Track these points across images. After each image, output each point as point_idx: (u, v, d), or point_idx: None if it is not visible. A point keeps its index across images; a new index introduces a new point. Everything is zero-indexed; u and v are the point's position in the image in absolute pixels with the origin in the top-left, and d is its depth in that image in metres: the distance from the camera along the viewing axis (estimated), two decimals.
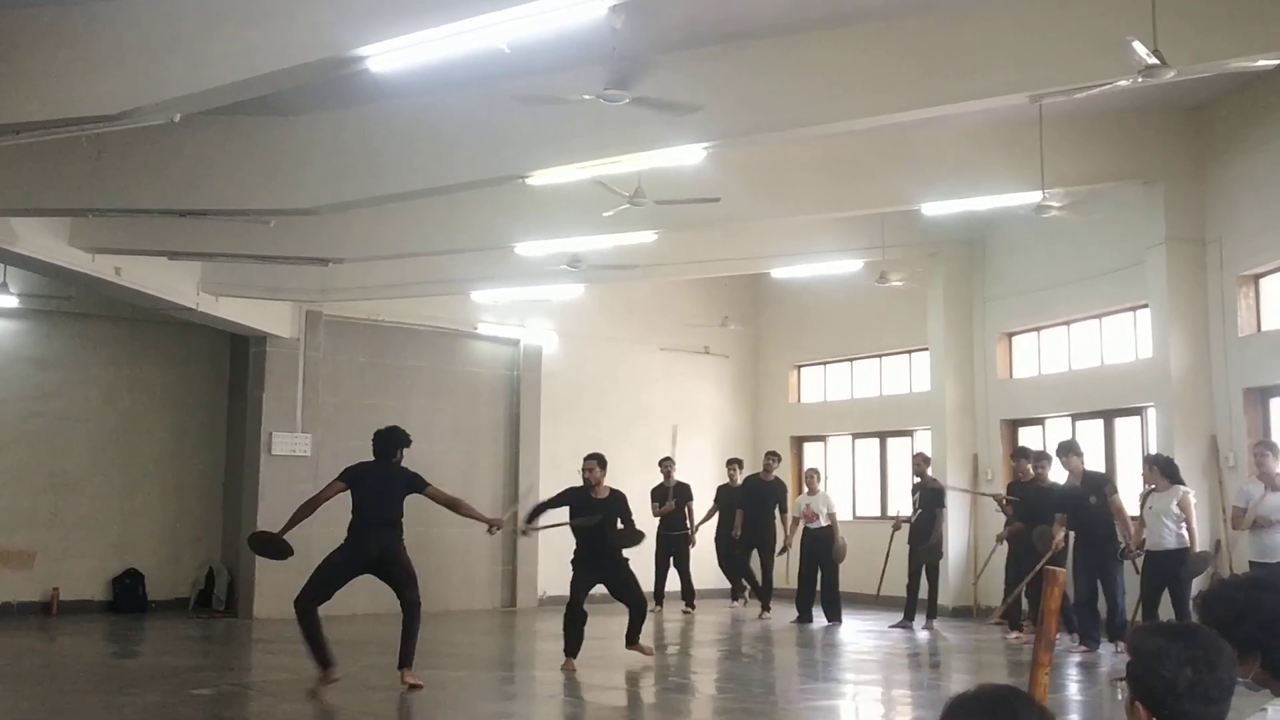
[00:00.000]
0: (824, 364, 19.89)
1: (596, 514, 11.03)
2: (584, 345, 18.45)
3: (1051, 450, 13.26)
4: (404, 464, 10.23)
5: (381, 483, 9.94)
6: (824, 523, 15.62)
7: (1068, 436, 14.14)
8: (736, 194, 12.46)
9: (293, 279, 14.63)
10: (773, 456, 16.79)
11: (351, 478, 10.04)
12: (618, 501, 11.24)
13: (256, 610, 15.37)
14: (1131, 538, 12.08)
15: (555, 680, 10.48)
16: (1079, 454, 12.62)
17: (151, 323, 15.97)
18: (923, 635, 14.22)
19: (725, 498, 17.07)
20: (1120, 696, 2.75)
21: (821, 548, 15.52)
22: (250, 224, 11.73)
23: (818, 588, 15.55)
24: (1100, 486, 12.41)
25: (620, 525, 11.17)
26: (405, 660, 9.76)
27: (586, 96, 8.49)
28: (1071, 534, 12.48)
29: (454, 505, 10.26)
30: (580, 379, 18.36)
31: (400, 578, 10.02)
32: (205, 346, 16.73)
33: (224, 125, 10.11)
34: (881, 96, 9.47)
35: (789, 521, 16.28)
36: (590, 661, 11.34)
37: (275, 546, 10.22)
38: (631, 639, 11.38)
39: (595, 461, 11.30)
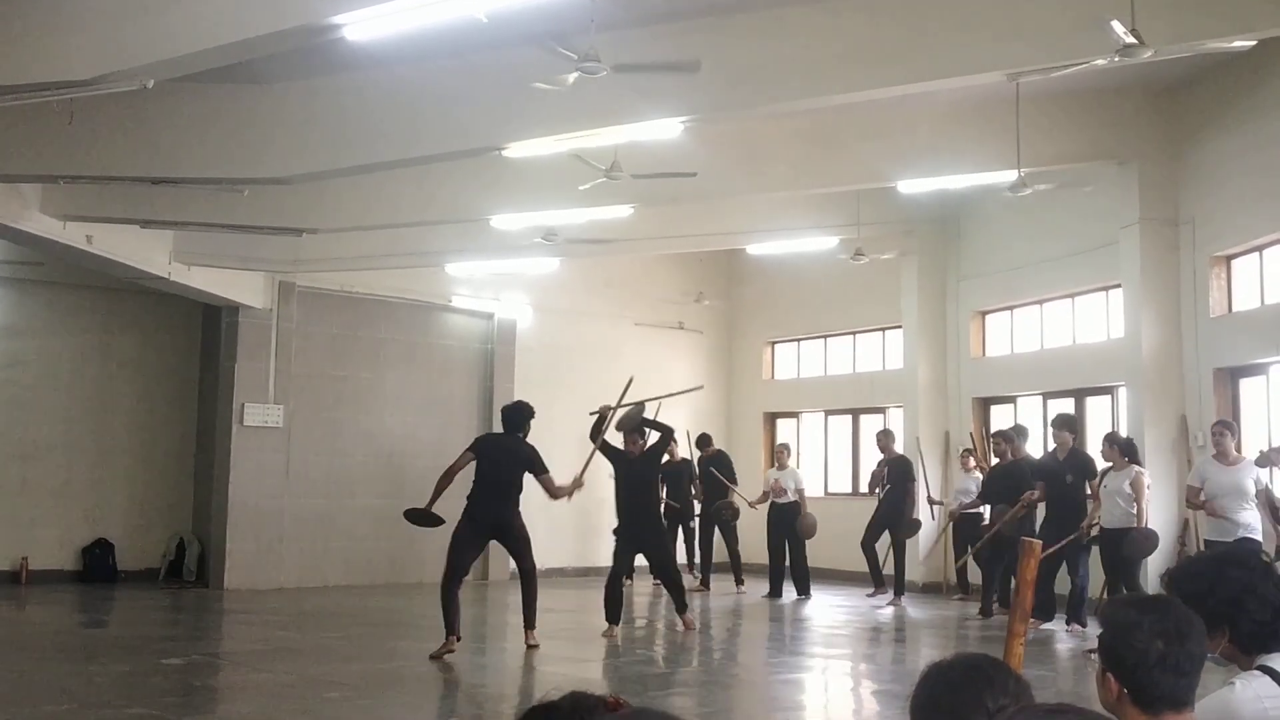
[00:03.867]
0: (798, 340, 19.93)
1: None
2: (558, 319, 18.43)
3: (1030, 426, 13.37)
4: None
5: (504, 453, 10.55)
6: (791, 498, 15.72)
7: (1062, 412, 13.95)
8: (713, 169, 12.43)
9: (266, 249, 14.52)
10: (700, 439, 17.11)
11: (478, 447, 10.73)
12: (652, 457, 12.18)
13: (227, 581, 15.34)
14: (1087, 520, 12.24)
15: (524, 652, 10.50)
16: (1072, 430, 12.58)
17: (123, 291, 15.85)
18: (887, 611, 14.28)
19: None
20: (1093, 668, 2.78)
21: (788, 522, 15.60)
22: (224, 193, 11.63)
23: (786, 562, 15.65)
24: (1082, 468, 12.38)
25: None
26: (528, 622, 10.50)
27: (570, 78, 8.45)
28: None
29: (556, 493, 10.85)
30: (554, 353, 18.34)
31: (516, 546, 10.61)
32: (177, 316, 16.62)
33: (198, 92, 10.00)
34: (860, 72, 9.46)
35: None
36: (560, 634, 11.40)
37: (429, 517, 10.63)
38: (679, 610, 12.06)
39: (637, 433, 12.08)
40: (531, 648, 10.32)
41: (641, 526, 11.78)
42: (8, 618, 12.91)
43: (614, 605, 11.50)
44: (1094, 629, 11.42)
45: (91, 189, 11.74)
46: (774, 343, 20.35)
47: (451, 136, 10.19)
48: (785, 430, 19.79)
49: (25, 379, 15.50)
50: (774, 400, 20.09)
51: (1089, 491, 12.24)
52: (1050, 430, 12.91)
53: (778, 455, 16.38)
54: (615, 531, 12.03)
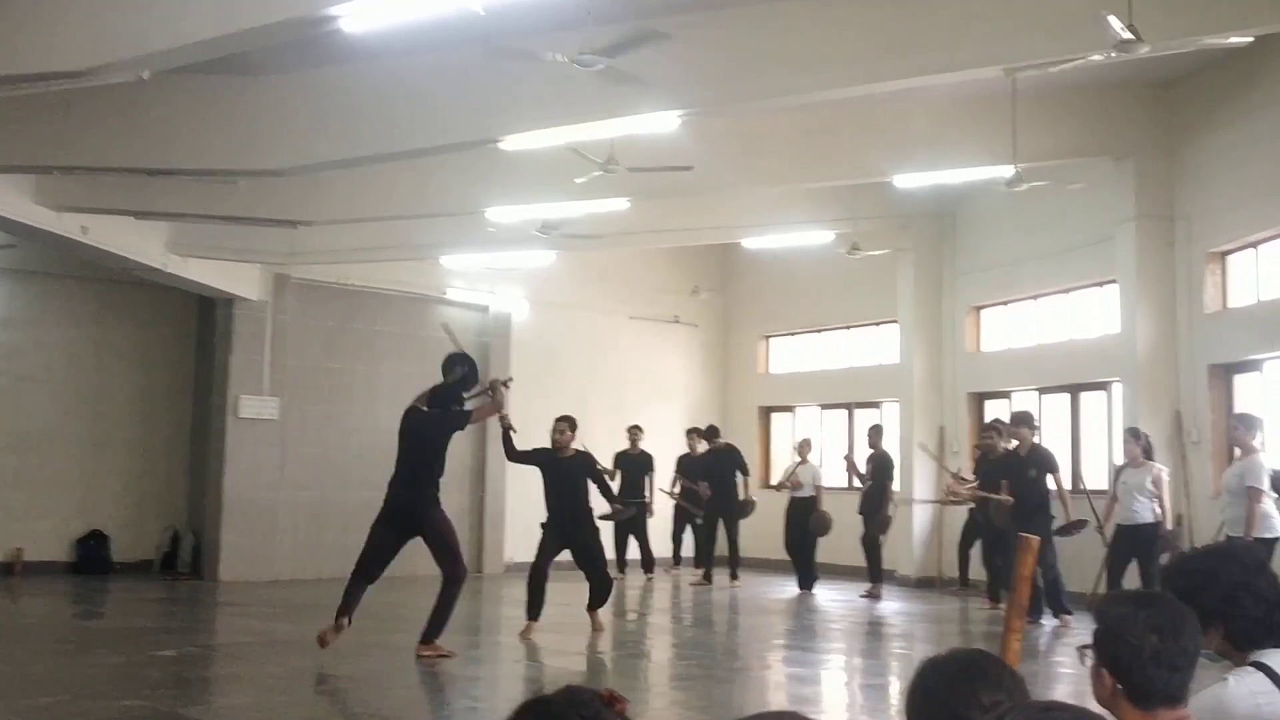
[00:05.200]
0: (793, 335, 19.92)
1: (629, 509, 11.17)
2: (554, 312, 18.42)
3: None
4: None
5: (422, 428, 9.68)
6: (809, 492, 15.72)
7: (1017, 409, 14.07)
8: (710, 163, 12.42)
9: (261, 241, 14.52)
10: (709, 431, 17.11)
11: (404, 423, 9.83)
12: (586, 460, 11.26)
13: (221, 573, 15.34)
14: (1070, 515, 12.24)
15: (521, 646, 10.50)
16: (1031, 427, 12.72)
17: (118, 283, 15.83)
18: (862, 602, 14.31)
19: (687, 467, 17.14)
20: (1086, 663, 2.78)
21: (805, 517, 15.61)
22: (219, 185, 11.61)
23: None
24: (1044, 463, 12.47)
25: (603, 490, 11.33)
26: (427, 634, 9.47)
27: (559, 57, 8.45)
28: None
29: (496, 408, 10.10)
30: (549, 346, 18.33)
31: (433, 542, 9.64)
32: (172, 308, 16.60)
33: (194, 84, 9.98)
34: (858, 67, 9.46)
35: (748, 485, 16.47)
36: (557, 628, 11.38)
37: None
38: (591, 607, 11.30)
39: (566, 424, 11.17)
40: (425, 657, 9.37)
41: (569, 520, 10.98)
42: (2, 609, 12.90)
43: (536, 600, 10.86)
44: (1081, 621, 11.46)
45: (86, 180, 11.72)
46: (769, 337, 20.35)
47: (448, 129, 10.18)
48: (780, 424, 19.80)
49: (19, 370, 15.47)
50: (769, 394, 20.09)
51: (1053, 486, 12.38)
52: (1010, 427, 12.96)
53: (799, 449, 16.36)
54: (542, 525, 11.23)
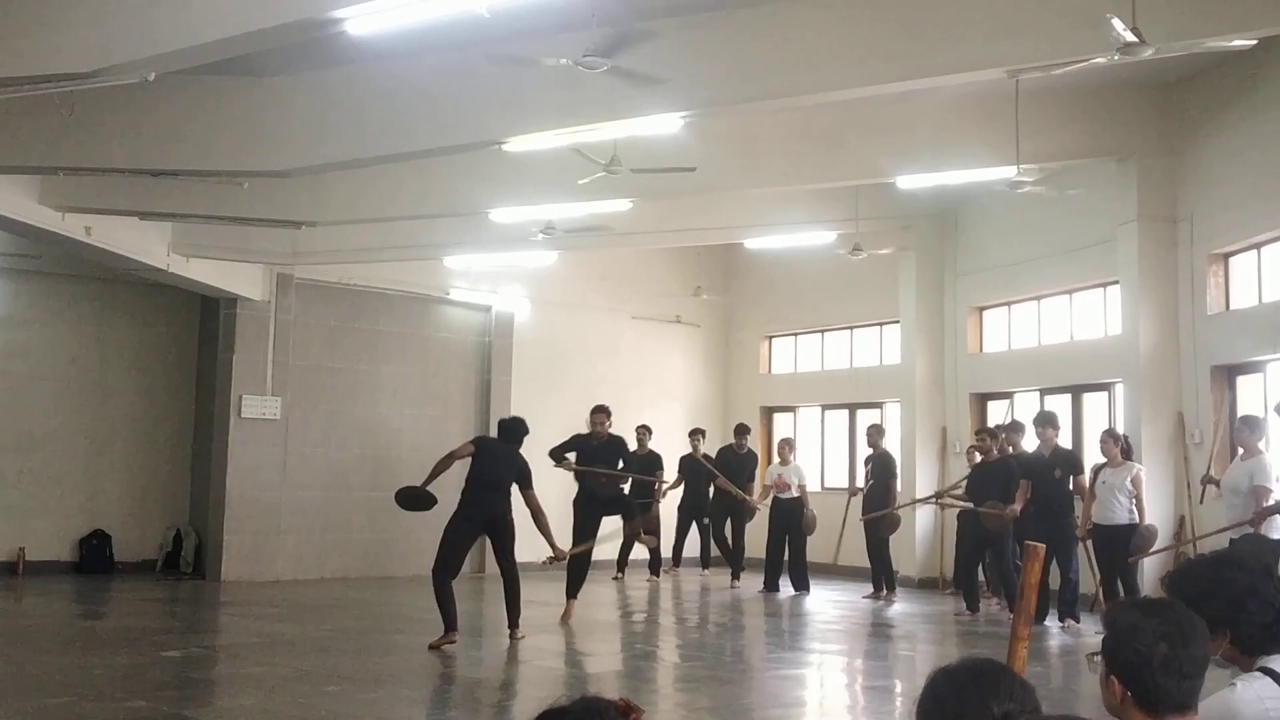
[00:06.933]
0: (795, 335, 19.93)
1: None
2: (556, 312, 18.42)
3: (1027, 420, 13.37)
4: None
5: (503, 456, 10.78)
6: (794, 493, 15.71)
7: (1043, 409, 14.06)
8: (713, 164, 12.44)
9: (264, 241, 14.53)
10: (744, 430, 16.92)
11: (479, 443, 11.02)
12: (617, 444, 12.36)
13: (224, 573, 15.34)
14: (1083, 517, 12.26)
15: (525, 646, 10.51)
16: (1055, 427, 12.65)
17: (121, 283, 15.85)
18: (879, 605, 14.29)
19: (689, 468, 17.09)
20: (1095, 671, 2.79)
21: (791, 518, 15.59)
22: (223, 185, 11.62)
23: (785, 557, 15.64)
24: (1069, 463, 12.47)
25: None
26: (512, 621, 10.68)
27: (562, 61, 8.46)
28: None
29: (537, 515, 10.78)
30: (552, 346, 18.35)
31: (505, 540, 10.72)
32: (175, 308, 16.61)
33: (199, 85, 10.00)
34: (861, 69, 9.47)
35: (757, 491, 16.45)
36: (558, 628, 11.41)
37: (421, 498, 10.75)
38: (570, 594, 12.05)
39: (605, 415, 12.24)
40: (518, 639, 10.53)
41: (597, 499, 12.18)
42: (5, 609, 12.90)
43: (577, 581, 11.99)
44: (1088, 626, 11.46)
45: (91, 181, 11.72)
46: (771, 337, 20.35)
47: (452, 130, 10.19)
48: (782, 424, 19.80)
49: (22, 370, 15.48)
50: (771, 394, 20.10)
51: (1073, 486, 12.33)
52: (1033, 428, 12.94)
53: (781, 450, 16.33)
54: (575, 501, 12.28)
